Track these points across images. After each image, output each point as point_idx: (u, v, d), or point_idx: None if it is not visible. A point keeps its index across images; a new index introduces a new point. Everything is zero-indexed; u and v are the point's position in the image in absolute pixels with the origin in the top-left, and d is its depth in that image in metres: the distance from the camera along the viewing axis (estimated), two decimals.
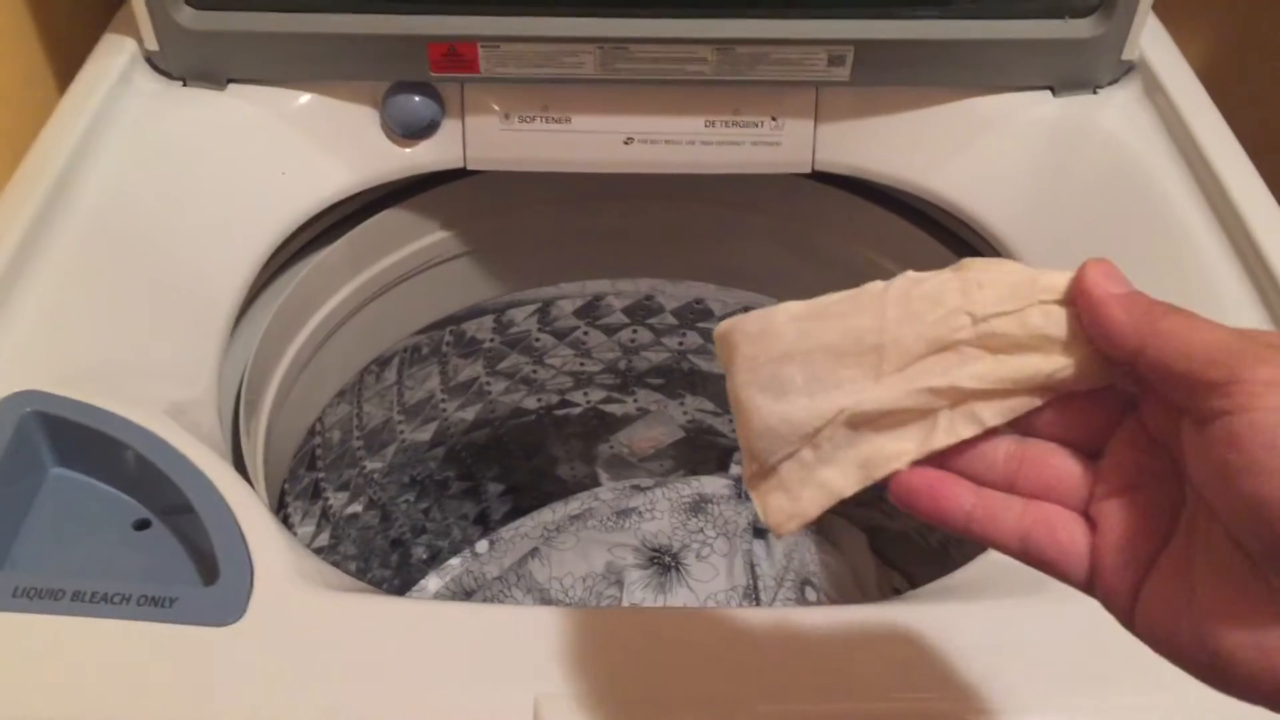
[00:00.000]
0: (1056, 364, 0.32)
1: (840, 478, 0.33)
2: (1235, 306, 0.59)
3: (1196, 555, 0.29)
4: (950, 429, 0.33)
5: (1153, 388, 0.30)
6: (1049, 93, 0.71)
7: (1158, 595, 0.30)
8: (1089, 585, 0.32)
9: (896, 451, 0.33)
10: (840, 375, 0.33)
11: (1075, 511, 0.32)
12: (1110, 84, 0.72)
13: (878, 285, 0.34)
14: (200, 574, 0.48)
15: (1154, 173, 0.67)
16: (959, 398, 0.32)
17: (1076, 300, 0.31)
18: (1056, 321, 0.31)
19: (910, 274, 0.34)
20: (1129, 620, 0.31)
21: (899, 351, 0.32)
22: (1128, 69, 0.72)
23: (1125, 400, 0.32)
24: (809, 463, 0.34)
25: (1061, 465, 0.33)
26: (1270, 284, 0.58)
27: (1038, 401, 0.32)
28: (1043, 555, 0.32)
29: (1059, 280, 0.32)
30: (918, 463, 0.33)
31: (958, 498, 0.33)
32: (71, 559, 0.49)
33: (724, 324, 0.35)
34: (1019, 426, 0.33)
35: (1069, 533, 0.32)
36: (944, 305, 0.32)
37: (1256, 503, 0.26)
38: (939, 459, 0.33)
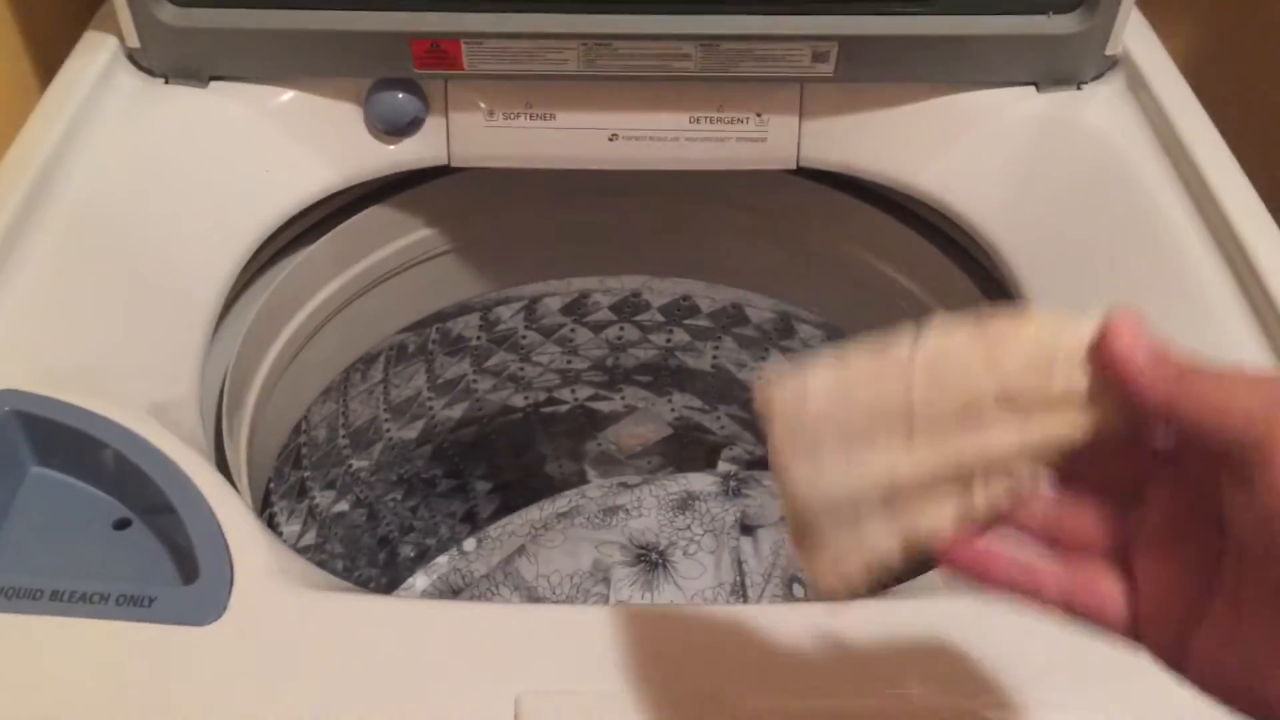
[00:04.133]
0: (1087, 420, 0.32)
1: (883, 548, 0.34)
2: (1218, 300, 0.59)
3: (1244, 604, 0.29)
4: (987, 499, 0.33)
5: (1187, 440, 0.30)
6: (1033, 88, 0.71)
7: (1206, 645, 0.30)
8: (1134, 635, 0.32)
9: (935, 524, 0.33)
10: (873, 441, 0.33)
11: (1114, 559, 0.33)
12: (1094, 79, 0.72)
13: (902, 350, 0.33)
14: (180, 573, 0.48)
15: (1137, 168, 0.67)
16: (993, 463, 0.33)
17: (1101, 362, 0.31)
18: (1083, 379, 0.32)
19: (932, 339, 0.33)
20: (1180, 669, 0.31)
21: (929, 418, 0.33)
22: (1111, 64, 0.72)
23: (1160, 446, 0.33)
24: (851, 530, 0.34)
25: (1098, 516, 0.33)
26: (1252, 278, 0.58)
27: (1076, 451, 0.33)
28: (1087, 614, 0.33)
29: (1082, 337, 0.32)
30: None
31: (1003, 571, 0.33)
32: (51, 558, 0.49)
33: (764, 389, 0.35)
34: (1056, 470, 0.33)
35: (1110, 590, 0.32)
36: (969, 371, 0.32)
37: None
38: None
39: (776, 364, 0.33)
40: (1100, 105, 0.71)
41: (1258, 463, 0.27)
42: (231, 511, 0.49)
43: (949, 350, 0.33)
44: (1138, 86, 0.70)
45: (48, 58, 0.74)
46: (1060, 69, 0.71)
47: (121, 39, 0.69)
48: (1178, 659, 0.31)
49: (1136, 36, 0.72)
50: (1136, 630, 0.32)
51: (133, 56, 0.70)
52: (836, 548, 0.34)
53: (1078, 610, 0.33)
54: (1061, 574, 0.33)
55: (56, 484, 0.52)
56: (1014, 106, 0.71)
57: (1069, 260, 0.66)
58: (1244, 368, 0.30)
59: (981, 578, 0.33)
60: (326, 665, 0.44)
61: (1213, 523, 0.30)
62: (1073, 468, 0.33)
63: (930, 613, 0.47)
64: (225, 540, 0.47)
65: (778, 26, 0.67)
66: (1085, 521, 0.33)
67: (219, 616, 0.45)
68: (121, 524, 0.51)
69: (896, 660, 0.45)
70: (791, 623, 0.47)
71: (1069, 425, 0.32)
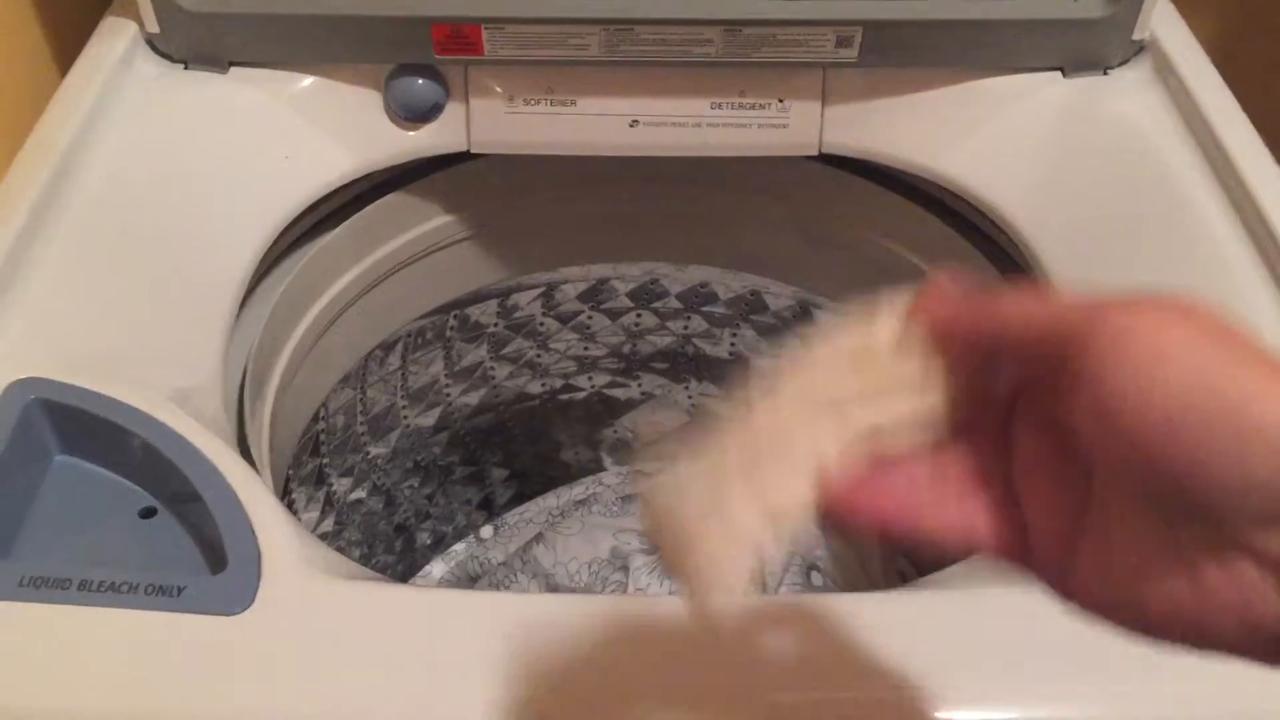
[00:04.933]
0: (932, 393, 0.32)
1: (751, 526, 0.31)
2: (1247, 286, 0.58)
3: (1109, 517, 0.29)
4: (852, 446, 0.32)
5: (1024, 367, 0.31)
6: (1059, 74, 0.70)
7: (1084, 566, 0.30)
8: (1029, 567, 0.32)
9: (806, 467, 0.32)
10: (733, 475, 0.32)
11: (1002, 500, 0.32)
12: (1121, 64, 0.71)
13: (727, 438, 0.32)
14: (207, 562, 0.48)
15: (1165, 154, 0.66)
16: (853, 433, 0.32)
17: (912, 320, 0.31)
18: (910, 360, 0.31)
19: (751, 407, 0.32)
20: (1070, 596, 0.31)
21: (776, 445, 0.32)
22: (1138, 49, 0.71)
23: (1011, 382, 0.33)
24: (717, 521, 0.32)
25: (975, 464, 0.33)
26: None
27: (934, 428, 0.32)
28: (980, 547, 0.32)
29: (890, 323, 0.32)
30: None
31: (894, 511, 0.32)
32: (77, 547, 0.49)
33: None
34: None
35: (1000, 523, 0.32)
36: (800, 400, 0.32)
37: (1133, 441, 0.26)
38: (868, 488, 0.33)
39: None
40: (1127, 91, 0.70)
41: (1077, 360, 0.27)
42: (258, 499, 0.49)
43: (776, 405, 0.32)
44: (1165, 72, 0.70)
45: (67, 44, 0.74)
46: (1087, 54, 0.70)
47: (141, 24, 0.69)
48: (1066, 586, 0.30)
49: (1163, 21, 0.72)
50: (1031, 563, 0.31)
51: (152, 42, 0.70)
52: (707, 547, 0.32)
53: (977, 542, 0.32)
54: (953, 511, 0.32)
55: (81, 472, 0.52)
56: (1040, 92, 0.70)
57: (1095, 247, 0.65)
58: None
59: (870, 521, 0.32)
60: (355, 655, 0.44)
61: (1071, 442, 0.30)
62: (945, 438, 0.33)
63: (949, 604, 0.47)
64: (252, 529, 0.47)
65: (801, 11, 0.67)
66: (970, 473, 0.33)
67: (248, 606, 0.45)
68: (147, 512, 0.51)
69: (918, 652, 0.45)
70: (811, 613, 0.47)
71: (917, 400, 0.32)
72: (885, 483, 0.32)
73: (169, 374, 0.56)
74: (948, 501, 0.32)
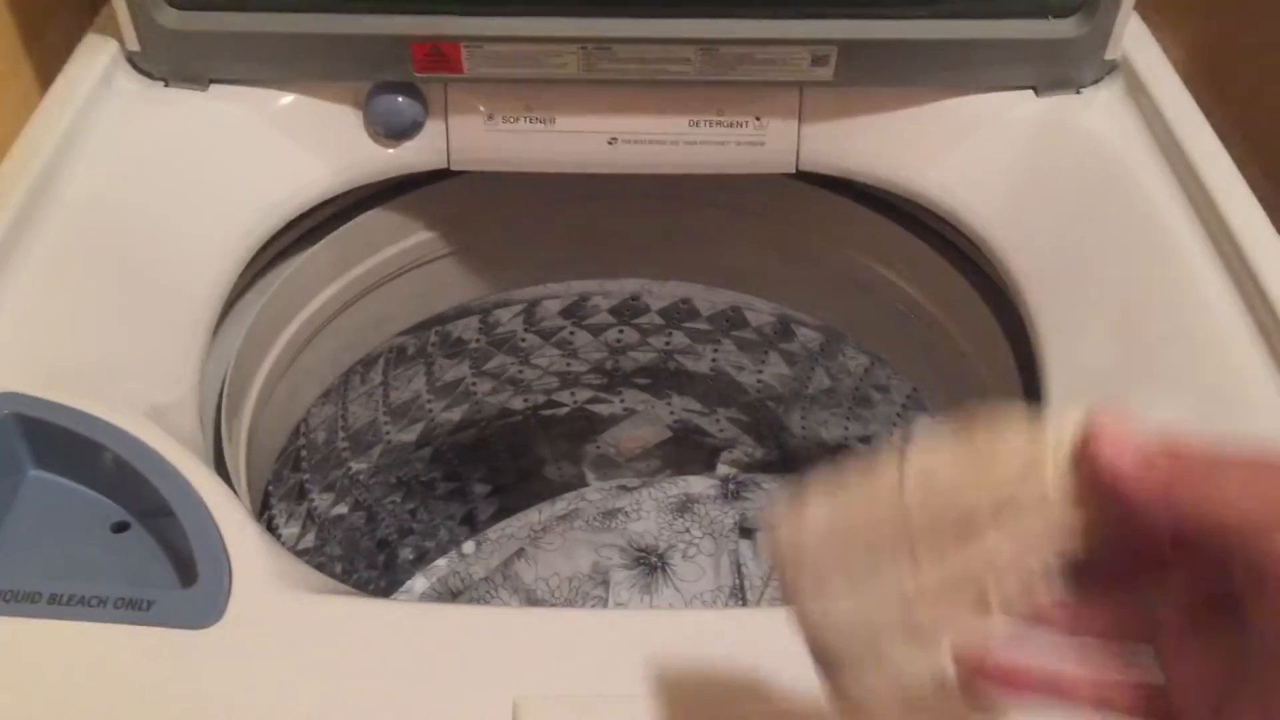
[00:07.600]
0: (1083, 519, 0.31)
1: (911, 674, 0.33)
2: (1216, 304, 0.59)
3: (1272, 695, 0.28)
4: (1001, 606, 0.32)
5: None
6: (1032, 92, 0.71)
7: None
8: None
9: (958, 644, 0.33)
10: (877, 568, 0.33)
11: (1142, 646, 0.32)
12: (1093, 84, 0.72)
13: (891, 473, 0.33)
14: (179, 576, 0.48)
15: (1136, 172, 0.67)
16: (1000, 570, 0.32)
17: (1086, 472, 0.31)
18: (1073, 481, 0.31)
19: (918, 460, 0.33)
20: None
21: (928, 538, 0.32)
22: (1110, 69, 0.72)
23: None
24: (875, 661, 0.33)
25: (1119, 606, 0.32)
26: (1250, 281, 0.58)
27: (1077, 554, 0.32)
28: (1123, 712, 0.32)
29: (1066, 440, 0.31)
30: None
31: (1032, 685, 0.32)
32: (49, 561, 0.49)
33: (768, 533, 0.35)
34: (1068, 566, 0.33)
35: (1141, 685, 0.32)
36: (961, 489, 0.32)
37: None
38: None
39: (776, 497, 0.32)
40: (1099, 109, 0.71)
41: (1264, 570, 0.27)
42: (230, 514, 0.49)
43: (937, 470, 0.32)
44: (1136, 91, 0.70)
45: (48, 61, 0.74)
46: (1059, 73, 0.71)
47: (122, 42, 0.69)
48: None
49: (1135, 41, 0.73)
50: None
51: (133, 60, 0.70)
52: (865, 680, 0.33)
53: (1112, 709, 0.32)
54: (1090, 679, 0.32)
55: (55, 487, 0.52)
56: (1013, 110, 0.71)
57: (1068, 264, 0.66)
58: (1237, 454, 0.28)
59: (1010, 693, 0.33)
60: (325, 668, 0.44)
61: (1233, 608, 0.29)
62: (1084, 562, 0.32)
63: None
64: (224, 543, 0.47)
65: (777, 30, 0.67)
66: (1106, 614, 0.32)
67: (217, 620, 0.45)
68: (120, 527, 0.51)
69: None
70: (791, 627, 0.47)
71: (1067, 525, 0.31)
72: (1023, 657, 0.32)
73: (145, 389, 0.56)
74: (1083, 668, 0.32)
